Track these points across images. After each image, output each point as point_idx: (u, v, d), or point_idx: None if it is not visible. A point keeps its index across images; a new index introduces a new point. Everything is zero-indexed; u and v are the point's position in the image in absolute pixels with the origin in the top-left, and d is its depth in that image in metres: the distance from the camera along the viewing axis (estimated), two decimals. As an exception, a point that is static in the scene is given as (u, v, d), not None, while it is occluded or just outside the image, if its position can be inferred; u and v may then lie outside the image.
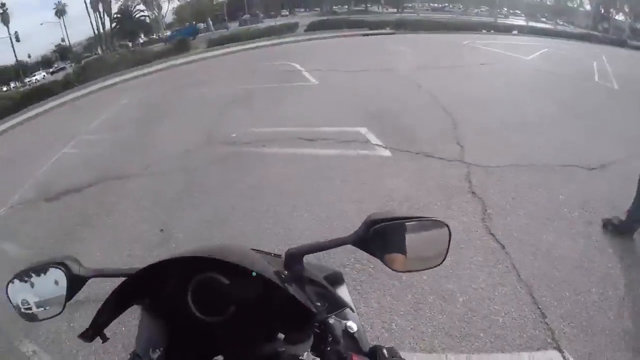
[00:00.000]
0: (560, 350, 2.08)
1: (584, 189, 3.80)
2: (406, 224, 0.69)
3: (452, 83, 8.15)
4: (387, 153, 4.28)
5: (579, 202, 3.52)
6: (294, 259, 0.69)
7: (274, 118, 5.56)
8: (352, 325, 0.74)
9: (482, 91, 6.54)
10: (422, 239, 0.70)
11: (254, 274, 0.61)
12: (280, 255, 0.72)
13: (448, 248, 0.71)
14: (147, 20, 42.42)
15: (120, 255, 2.97)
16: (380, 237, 0.68)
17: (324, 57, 12.15)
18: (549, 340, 2.14)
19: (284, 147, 4.45)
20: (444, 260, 0.72)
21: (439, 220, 0.70)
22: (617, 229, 3.00)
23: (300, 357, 0.64)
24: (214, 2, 45.93)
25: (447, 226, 0.70)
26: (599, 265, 2.70)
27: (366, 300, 2.36)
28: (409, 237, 0.69)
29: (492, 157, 3.64)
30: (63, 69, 29.87)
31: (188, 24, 46.41)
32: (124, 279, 0.66)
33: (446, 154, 4.26)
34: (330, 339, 0.70)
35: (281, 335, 0.66)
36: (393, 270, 0.70)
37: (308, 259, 0.70)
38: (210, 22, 43.24)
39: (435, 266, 0.72)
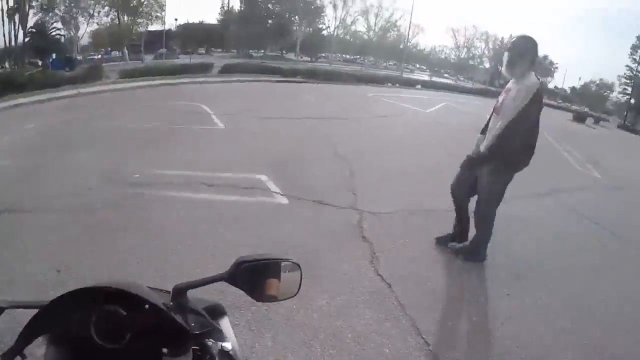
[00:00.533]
0: None
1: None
2: (269, 263, 0.88)
3: (353, 134, 8.77)
4: (285, 200, 4.49)
5: None
6: (179, 293, 0.83)
7: (178, 160, 5.55)
8: (227, 345, 0.88)
9: (381, 142, 7.09)
10: (282, 275, 0.89)
11: (147, 306, 0.75)
12: (169, 291, 0.84)
13: (300, 282, 0.93)
14: (62, 39, 39.65)
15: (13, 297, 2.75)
16: (248, 275, 0.85)
17: (235, 101, 12.34)
18: None
19: (185, 191, 4.46)
20: (297, 292, 0.93)
21: (294, 262, 0.91)
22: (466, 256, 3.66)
23: None
24: (133, 31, 44.30)
25: (299, 265, 0.92)
26: (473, 297, 3.14)
27: (261, 338, 2.45)
28: (272, 274, 0.88)
29: (383, 204, 3.98)
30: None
31: (103, 50, 44.55)
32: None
33: (341, 202, 4.59)
34: (208, 356, 0.82)
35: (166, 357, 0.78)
36: (258, 301, 0.90)
37: (193, 293, 0.84)
38: (127, 52, 41.56)
39: (291, 297, 0.93)
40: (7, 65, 32.93)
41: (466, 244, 3.70)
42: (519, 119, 3.17)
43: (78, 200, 4.14)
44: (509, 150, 3.28)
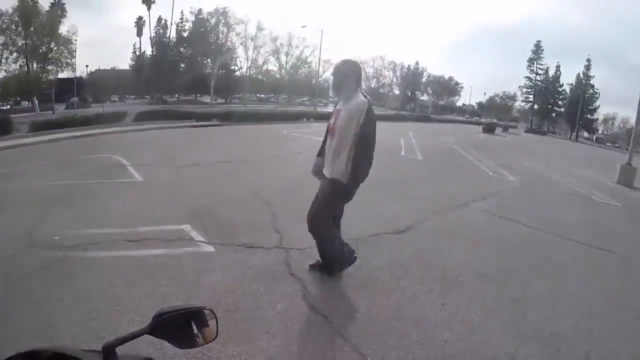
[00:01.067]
0: None
1: (394, 249, 4.59)
2: (186, 312, 0.96)
3: (270, 174, 8.92)
4: (210, 248, 4.41)
5: (388, 263, 4.27)
6: (108, 351, 0.86)
7: (98, 218, 5.26)
8: None
9: (298, 179, 7.21)
10: (200, 323, 0.99)
11: None
12: (100, 351, 0.87)
13: (217, 327, 1.02)
14: None
15: None
16: (168, 326, 0.92)
17: (150, 150, 12.02)
18: None
19: (107, 250, 4.23)
20: (216, 336, 1.02)
21: (208, 309, 1.01)
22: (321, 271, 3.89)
23: None
24: (42, 80, 41.62)
25: (213, 311, 1.01)
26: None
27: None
28: (190, 323, 0.97)
29: (307, 238, 4.00)
30: None
31: (12, 100, 41.39)
32: None
33: (266, 243, 4.60)
34: None
35: None
36: (181, 348, 0.99)
37: (124, 349, 0.88)
38: (37, 102, 38.85)
39: (211, 341, 1.01)
40: None
41: (319, 260, 3.87)
42: (361, 138, 3.37)
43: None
44: (366, 168, 3.51)
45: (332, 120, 3.57)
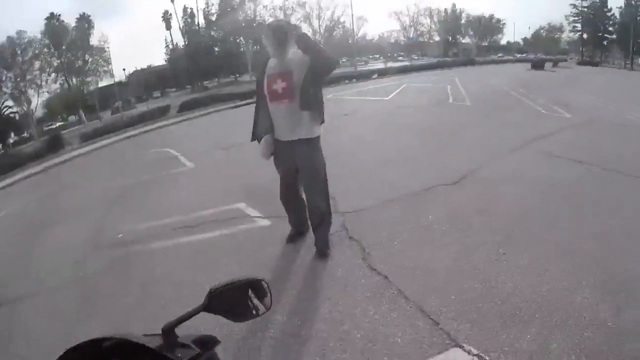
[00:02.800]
0: (460, 346, 2.39)
1: (450, 201, 4.55)
2: (238, 286, 0.97)
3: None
4: (266, 222, 4.53)
5: (445, 215, 4.18)
6: (168, 333, 0.90)
7: (156, 210, 5.54)
8: None
9: (345, 140, 7.12)
10: (252, 294, 0.99)
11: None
12: (160, 334, 0.91)
13: (271, 297, 1.02)
14: (17, 117, 38.96)
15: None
16: (222, 301, 0.94)
17: (198, 137, 12.39)
18: (447, 341, 2.44)
19: (168, 239, 4.46)
20: (270, 306, 1.03)
21: (260, 279, 1.01)
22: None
23: None
24: (84, 92, 43.62)
25: (266, 281, 1.01)
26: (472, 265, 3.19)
27: (273, 358, 2.51)
28: (243, 295, 0.98)
29: (363, 200, 4.00)
30: None
31: (60, 117, 43.85)
32: None
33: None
34: None
35: None
36: (236, 322, 1.00)
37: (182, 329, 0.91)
38: (82, 114, 40.90)
39: (265, 312, 1.02)
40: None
41: (323, 235, 3.65)
42: (314, 75, 3.25)
43: (67, 276, 4.11)
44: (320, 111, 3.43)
45: (277, 86, 3.27)
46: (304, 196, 3.66)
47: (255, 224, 4.54)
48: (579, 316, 2.57)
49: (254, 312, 1.00)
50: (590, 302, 2.71)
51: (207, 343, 0.95)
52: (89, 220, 5.66)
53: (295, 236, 3.91)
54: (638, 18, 58.38)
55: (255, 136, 3.53)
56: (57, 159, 15.20)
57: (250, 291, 0.99)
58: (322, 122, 3.49)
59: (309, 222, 3.72)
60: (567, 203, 4.49)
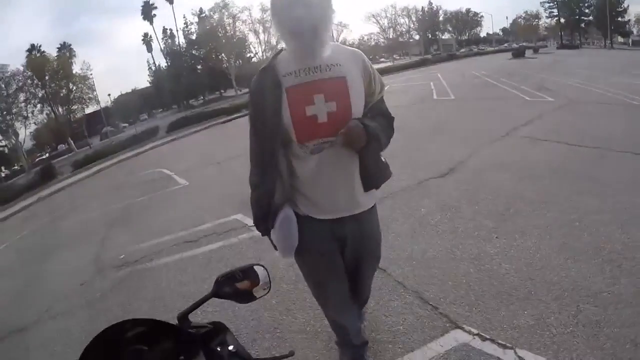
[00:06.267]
0: (460, 327, 2.51)
1: (441, 193, 4.79)
2: (240, 271, 1.11)
3: None
4: (264, 231, 4.58)
5: (437, 206, 4.38)
6: (183, 319, 1.02)
7: (155, 228, 5.62)
8: (232, 348, 1.05)
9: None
10: (253, 278, 1.13)
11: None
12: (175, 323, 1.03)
13: (270, 279, 1.16)
14: (6, 150, 38.85)
15: None
16: (228, 287, 1.09)
17: (189, 155, 12.47)
18: (447, 324, 2.56)
19: (170, 255, 4.54)
20: (270, 287, 1.16)
21: (259, 264, 1.16)
22: None
23: None
24: (72, 120, 43.78)
25: (264, 266, 1.16)
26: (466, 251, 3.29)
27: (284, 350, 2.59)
28: (246, 280, 1.12)
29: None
30: None
31: (48, 147, 43.72)
32: None
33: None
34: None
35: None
36: (241, 303, 1.14)
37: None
38: (72, 142, 40.95)
39: (267, 293, 1.15)
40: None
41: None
42: (380, 101, 1.84)
43: (75, 299, 4.18)
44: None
45: (317, 108, 1.57)
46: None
47: (253, 232, 4.60)
48: (573, 289, 2.69)
49: (257, 294, 1.13)
50: (584, 274, 2.83)
51: (217, 328, 1.07)
52: (91, 244, 5.74)
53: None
54: (612, -3, 59.45)
55: (263, 221, 1.77)
56: (51, 188, 15.24)
57: (249, 276, 1.13)
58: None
59: None
60: (554, 183, 4.64)
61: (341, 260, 1.89)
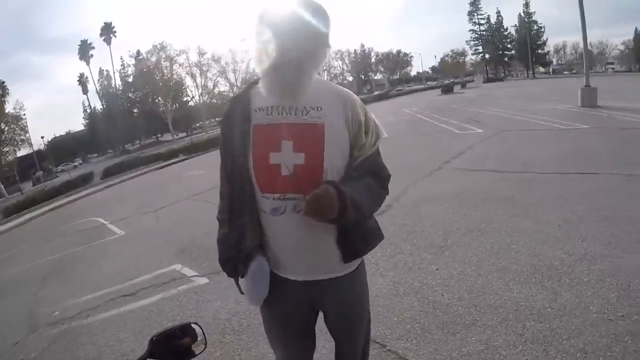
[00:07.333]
0: None
1: None
2: (175, 330, 1.11)
3: None
4: (204, 280, 4.47)
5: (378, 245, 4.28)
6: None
7: (90, 282, 5.27)
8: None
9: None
10: (189, 336, 1.13)
11: None
12: None
13: (205, 336, 1.16)
14: None
15: None
16: (163, 347, 1.06)
17: (124, 202, 12.00)
18: None
19: (107, 310, 4.26)
20: (206, 344, 1.16)
21: (193, 323, 1.17)
22: None
23: None
24: (2, 162, 40.93)
25: (197, 324, 1.16)
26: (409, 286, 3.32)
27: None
28: (181, 338, 1.11)
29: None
30: None
31: None
32: None
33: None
34: None
35: None
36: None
37: None
38: (2, 187, 38.03)
39: (203, 350, 1.14)
40: None
41: None
42: (376, 153, 1.52)
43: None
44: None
45: (284, 157, 1.31)
46: None
47: (193, 283, 4.47)
48: (517, 309, 2.82)
49: (197, 351, 1.12)
50: (526, 294, 2.98)
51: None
52: (24, 300, 5.29)
53: None
54: (532, 32, 65.70)
55: (230, 262, 1.49)
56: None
57: (184, 334, 1.12)
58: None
59: None
60: (488, 210, 4.93)
61: (311, 323, 1.60)
